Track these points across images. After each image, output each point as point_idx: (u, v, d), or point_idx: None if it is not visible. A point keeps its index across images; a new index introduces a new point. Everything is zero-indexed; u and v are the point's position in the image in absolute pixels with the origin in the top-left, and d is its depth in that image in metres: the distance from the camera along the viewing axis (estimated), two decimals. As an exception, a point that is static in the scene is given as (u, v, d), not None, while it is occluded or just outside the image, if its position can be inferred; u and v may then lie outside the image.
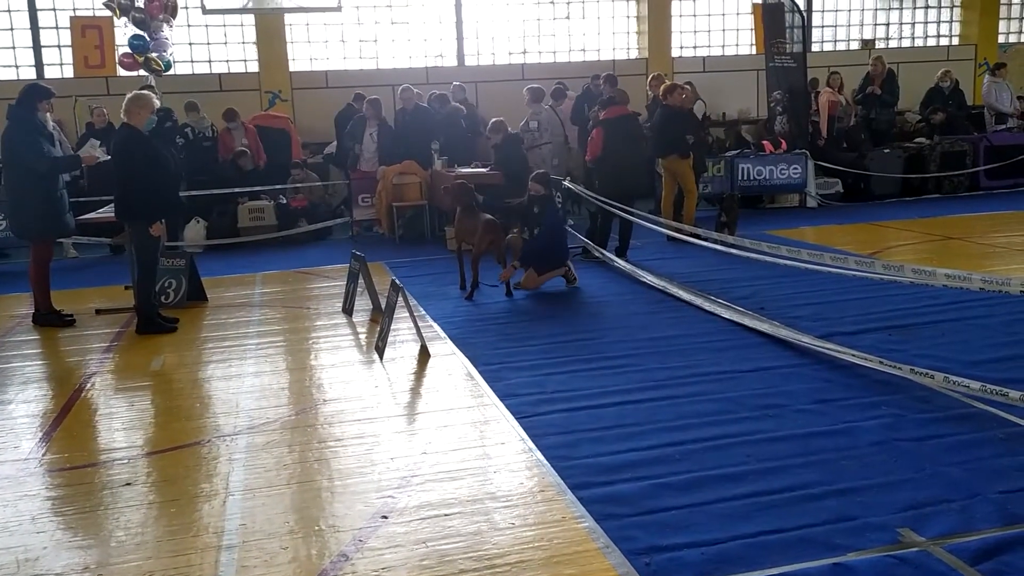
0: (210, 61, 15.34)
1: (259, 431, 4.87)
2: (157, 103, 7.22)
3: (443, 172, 11.43)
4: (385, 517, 3.77)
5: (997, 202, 12.44)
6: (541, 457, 4.31)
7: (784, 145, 13.07)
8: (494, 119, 11.24)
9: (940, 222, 11.04)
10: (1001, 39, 18.24)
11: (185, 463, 4.49)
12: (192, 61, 15.18)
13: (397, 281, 6.23)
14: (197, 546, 3.59)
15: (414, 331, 6.40)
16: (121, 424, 5.16)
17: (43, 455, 4.67)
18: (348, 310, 7.56)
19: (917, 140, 13.94)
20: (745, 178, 12.63)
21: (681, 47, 16.96)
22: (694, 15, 17.05)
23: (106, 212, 8.54)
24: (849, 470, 3.99)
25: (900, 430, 4.40)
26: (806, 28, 13.77)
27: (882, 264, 4.96)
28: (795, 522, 3.52)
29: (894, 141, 14.06)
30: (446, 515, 3.76)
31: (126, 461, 4.55)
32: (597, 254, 9.27)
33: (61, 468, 4.50)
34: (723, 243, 7.19)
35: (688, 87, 11.35)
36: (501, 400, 5.15)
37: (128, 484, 4.24)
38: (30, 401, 5.70)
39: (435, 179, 11.59)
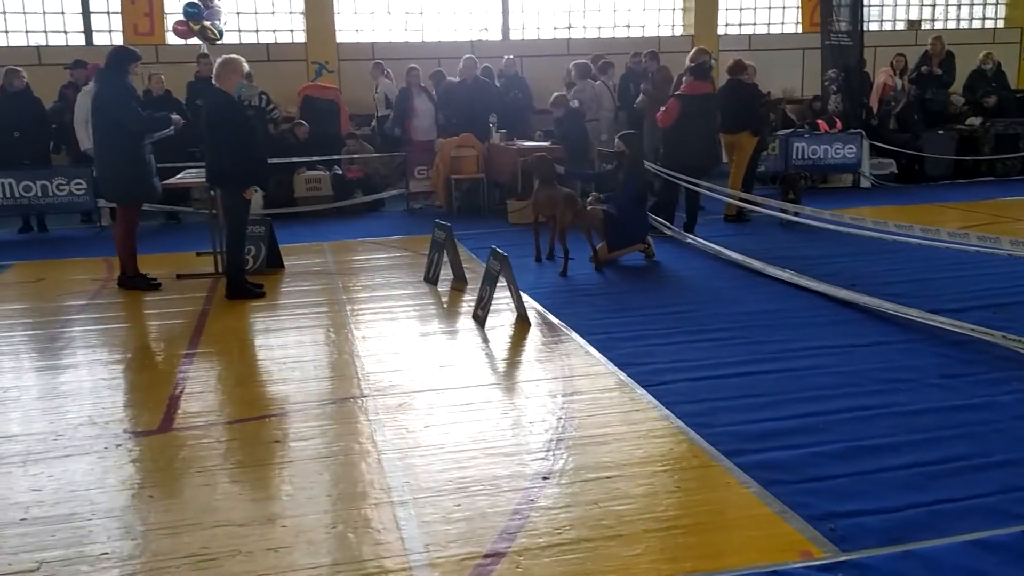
0: (257, 31, 15.28)
1: (387, 394, 4.91)
2: (247, 67, 7.20)
3: (501, 145, 11.42)
4: (546, 478, 3.81)
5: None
6: (682, 424, 4.34)
7: (839, 124, 13.02)
8: (556, 93, 11.23)
9: (1003, 204, 11.04)
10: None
11: (325, 423, 4.53)
12: (239, 31, 15.11)
13: (499, 250, 6.23)
14: (369, 501, 3.63)
15: (509, 301, 6.44)
16: (244, 384, 5.20)
17: (179, 412, 4.71)
18: (432, 279, 7.58)
19: (970, 122, 13.84)
20: (799, 157, 12.60)
21: (727, 24, 16.85)
22: (741, -8, 16.93)
23: (185, 177, 8.57)
24: (1001, 443, 4.01)
25: (1040, 404, 4.42)
26: (859, 6, 13.64)
27: (1009, 241, 4.96)
28: (966, 492, 3.55)
29: (945, 123, 13.98)
30: (608, 477, 3.80)
31: (266, 420, 4.59)
32: (667, 231, 9.27)
33: (204, 425, 4.54)
34: (819, 219, 7.15)
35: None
36: (620, 369, 5.17)
37: (277, 442, 4.29)
38: (148, 362, 5.76)
39: (492, 152, 11.57)
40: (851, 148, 12.79)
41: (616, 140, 8.29)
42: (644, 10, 16.46)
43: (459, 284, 7.48)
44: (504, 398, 4.83)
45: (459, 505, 3.58)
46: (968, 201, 11.40)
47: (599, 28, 16.34)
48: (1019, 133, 13.61)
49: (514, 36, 16.04)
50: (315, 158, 11.82)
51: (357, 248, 9.44)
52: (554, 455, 4.04)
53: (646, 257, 8.22)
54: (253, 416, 4.66)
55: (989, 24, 18.14)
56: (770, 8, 17.15)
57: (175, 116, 7.81)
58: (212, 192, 8.08)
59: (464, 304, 6.91)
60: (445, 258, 7.59)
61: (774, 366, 5.16)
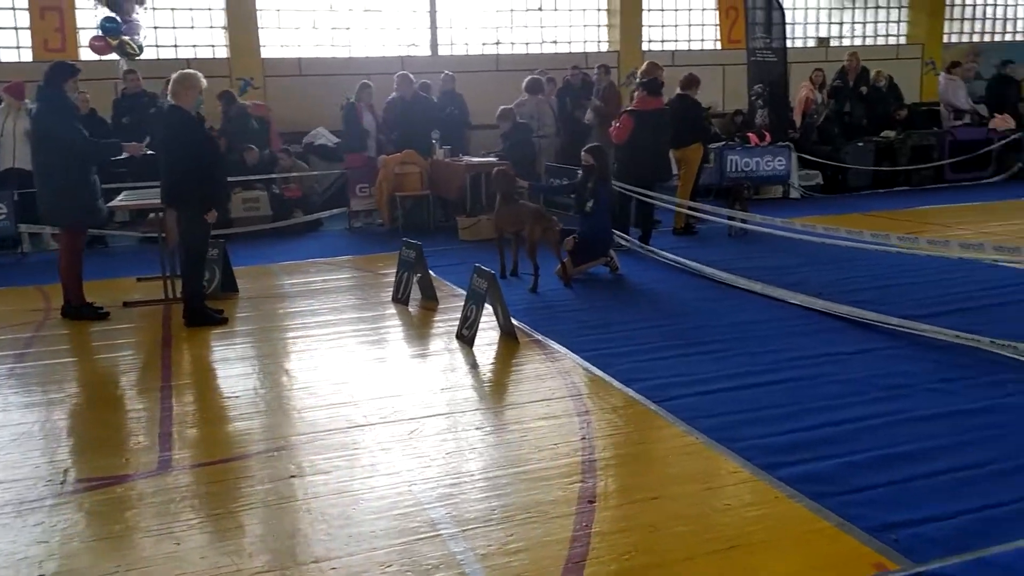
0: (176, 46, 14.74)
1: (392, 421, 4.72)
2: (204, 83, 6.89)
3: (446, 161, 11.30)
4: (592, 502, 3.71)
5: (965, 194, 13.04)
6: (708, 439, 4.31)
7: (768, 137, 13.38)
8: (502, 107, 11.20)
9: (924, 212, 11.52)
10: (946, 39, 19.06)
11: (337, 453, 4.31)
12: (158, 46, 14.54)
13: (484, 268, 6.11)
14: (415, 536, 3.46)
15: (489, 319, 6.33)
16: (238, 417, 4.92)
17: (176, 451, 4.41)
18: (403, 299, 7.39)
19: (885, 134, 14.42)
20: (734, 169, 12.86)
21: (650, 40, 17.15)
22: (662, 9, 17.27)
23: (127, 199, 8.15)
24: (1021, 445, 4.11)
25: (1045, 406, 4.57)
26: (771, 23, 14.09)
27: (959, 244, 5.14)
28: (1008, 496, 3.62)
29: (863, 135, 14.54)
30: (654, 499, 3.73)
31: (274, 454, 4.34)
32: (623, 242, 9.30)
33: (207, 463, 4.26)
34: (789, 229, 7.28)
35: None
36: (625, 385, 5.12)
37: (294, 476, 4.06)
38: (123, 398, 5.41)
39: (437, 168, 11.43)
40: (781, 160, 13.15)
41: (583, 153, 8.29)
42: (571, 26, 16.61)
43: (430, 303, 7.33)
44: (518, 420, 4.71)
45: (512, 535, 3.45)
46: (892, 210, 11.84)
47: (527, 44, 16.41)
48: (932, 144, 14.29)
49: (443, 52, 15.94)
50: (254, 177, 11.43)
51: (309, 269, 9.14)
52: (592, 477, 3.94)
53: (611, 271, 8.23)
54: (259, 451, 4.41)
55: (892, 41, 19.01)
56: (690, 25, 17.56)
57: (133, 144, 7.44)
58: (160, 213, 7.72)
59: (440, 324, 6.76)
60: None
61: (777, 376, 5.20)
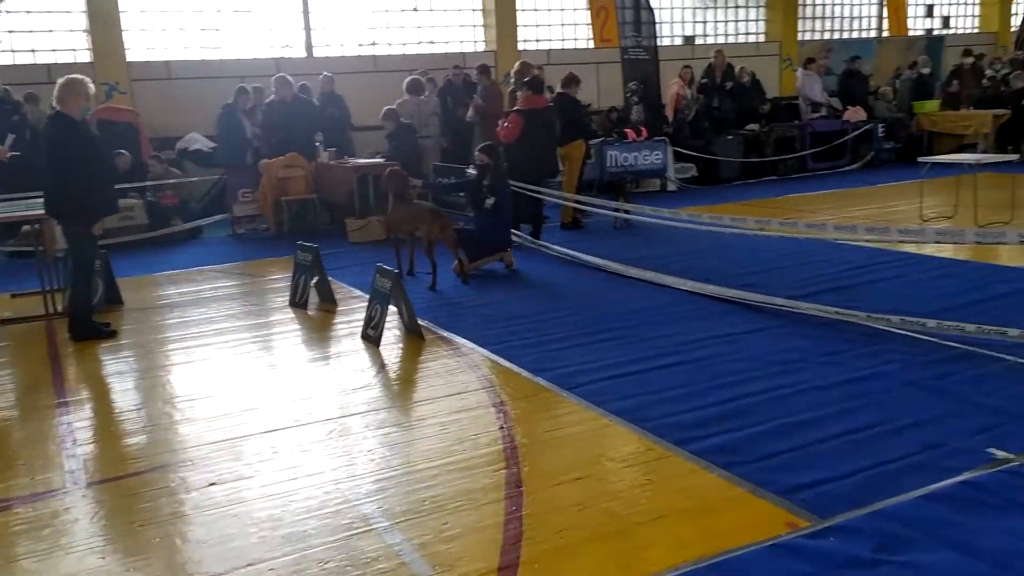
0: (34, 51, 13.99)
1: (309, 423, 4.71)
2: (92, 89, 6.64)
3: (331, 164, 11.20)
4: (519, 487, 3.82)
5: (825, 182, 13.90)
6: (621, 420, 4.50)
7: (644, 132, 13.84)
8: (386, 107, 11.17)
9: (793, 199, 12.19)
10: (800, 37, 20.18)
11: (255, 458, 4.27)
12: (13, 51, 13.78)
13: (387, 267, 6.14)
14: (350, 532, 3.48)
15: (392, 318, 6.36)
16: (146, 429, 4.78)
17: (85, 467, 4.27)
18: (301, 303, 7.31)
19: (751, 127, 15.18)
20: (613, 164, 13.25)
21: (525, 40, 17.43)
22: (535, 9, 17.58)
23: (5, 211, 7.74)
24: (901, 407, 4.48)
25: (918, 371, 4.97)
26: (640, 22, 14.63)
27: (865, 228, 5.55)
28: (895, 453, 3.95)
29: (731, 129, 15.25)
30: (579, 479, 3.88)
31: (188, 463, 4.26)
32: (515, 238, 9.46)
33: (120, 476, 4.14)
34: (675, 219, 7.60)
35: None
36: (534, 375, 5.26)
37: (214, 484, 4.00)
38: (17, 417, 5.14)
39: (321, 171, 11.32)
40: (658, 154, 13.63)
41: (477, 153, 8.40)
42: (447, 27, 16.70)
43: (328, 306, 7.28)
44: (434, 414, 4.76)
45: (446, 523, 3.52)
46: (762, 198, 12.49)
47: (404, 44, 16.39)
48: (794, 136, 15.14)
49: (319, 53, 15.73)
50: (127, 185, 10.99)
51: (195, 277, 8.90)
52: (515, 463, 4.06)
53: (505, 266, 8.37)
54: (173, 462, 4.31)
55: (752, 39, 19.98)
56: (563, 25, 17.95)
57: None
58: (36, 225, 7.38)
59: (342, 326, 6.75)
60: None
61: (678, 358, 5.45)
